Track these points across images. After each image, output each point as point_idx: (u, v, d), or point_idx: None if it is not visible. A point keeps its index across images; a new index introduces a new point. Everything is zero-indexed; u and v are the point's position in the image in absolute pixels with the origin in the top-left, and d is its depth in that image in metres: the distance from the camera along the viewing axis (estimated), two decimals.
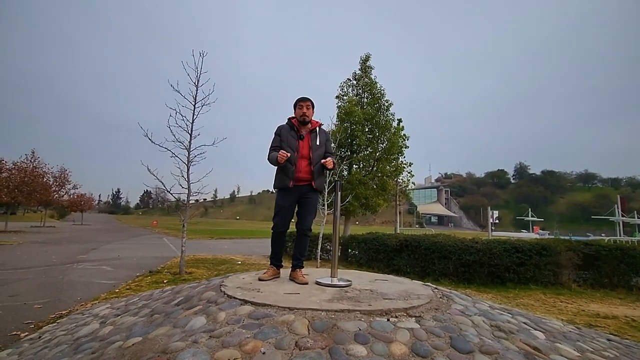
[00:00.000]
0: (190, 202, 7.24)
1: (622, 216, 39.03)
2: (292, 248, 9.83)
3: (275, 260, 3.32)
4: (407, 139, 13.47)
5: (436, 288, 3.21)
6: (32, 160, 21.71)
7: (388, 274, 4.12)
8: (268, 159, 3.21)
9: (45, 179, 23.17)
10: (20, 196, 20.16)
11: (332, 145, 9.31)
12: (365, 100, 13.67)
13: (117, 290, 5.23)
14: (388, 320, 2.09)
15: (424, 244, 7.83)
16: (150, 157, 7.26)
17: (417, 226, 65.88)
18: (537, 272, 6.92)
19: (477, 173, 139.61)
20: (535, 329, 2.49)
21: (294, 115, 3.32)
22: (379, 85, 13.68)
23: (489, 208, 18.06)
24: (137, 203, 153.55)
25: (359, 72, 14.09)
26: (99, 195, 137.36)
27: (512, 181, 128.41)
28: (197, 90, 7.01)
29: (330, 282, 2.96)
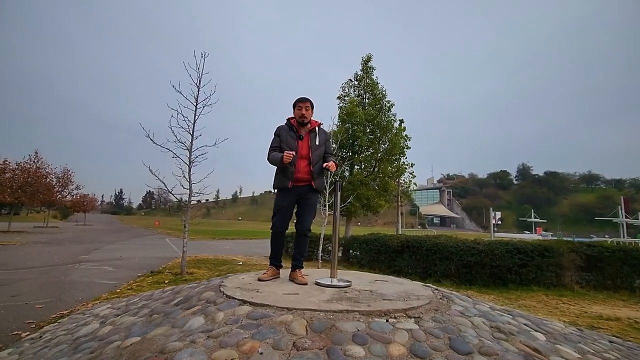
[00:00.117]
0: (192, 202, 7.26)
1: (626, 217, 38.75)
2: (292, 248, 9.87)
3: (275, 261, 3.31)
4: (409, 140, 13.45)
5: (436, 289, 3.20)
6: (36, 161, 21.84)
7: (389, 275, 4.11)
8: (268, 159, 3.19)
9: (48, 180, 23.29)
10: (24, 196, 20.27)
11: (334, 145, 9.32)
12: (367, 101, 13.66)
13: (118, 291, 5.25)
14: (387, 321, 2.08)
15: (426, 245, 7.80)
16: (152, 157, 7.28)
17: (419, 227, 65.75)
18: (540, 274, 6.88)
19: (479, 174, 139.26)
20: (536, 331, 2.47)
21: (293, 116, 3.31)
22: (380, 86, 13.68)
23: (491, 209, 17.99)
24: (140, 204, 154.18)
25: (361, 72, 14.09)
26: (102, 196, 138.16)
27: (515, 182, 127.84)
28: (198, 91, 7.03)
29: (329, 283, 2.96)
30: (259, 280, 3.10)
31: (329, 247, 10.44)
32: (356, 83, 14.15)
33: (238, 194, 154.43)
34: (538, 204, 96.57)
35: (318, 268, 6.73)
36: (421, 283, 3.46)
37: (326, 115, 37.74)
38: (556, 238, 16.09)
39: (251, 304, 2.27)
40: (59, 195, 26.95)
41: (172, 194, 7.11)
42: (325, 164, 3.15)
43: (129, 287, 5.50)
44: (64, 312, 4.03)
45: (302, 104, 3.21)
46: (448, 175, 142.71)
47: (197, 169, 6.99)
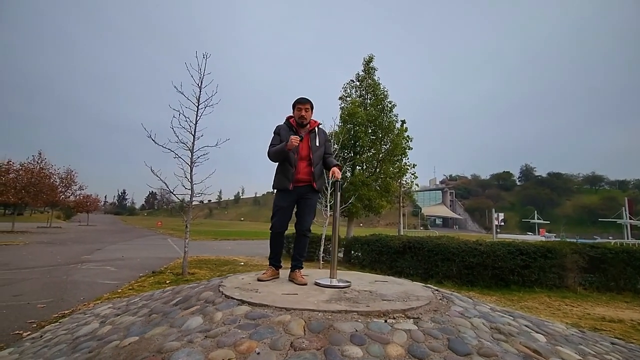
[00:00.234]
0: (195, 203, 7.27)
1: (630, 219, 38.50)
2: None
3: (274, 261, 3.30)
4: (411, 140, 13.43)
5: (437, 290, 3.18)
6: (39, 162, 21.97)
7: (393, 277, 4.09)
8: (269, 154, 3.15)
9: (51, 180, 23.42)
10: (27, 197, 20.38)
11: (335, 146, 9.32)
12: (369, 101, 13.65)
13: (119, 291, 5.26)
14: (385, 321, 2.07)
15: (427, 245, 7.78)
16: (154, 158, 7.32)
17: (421, 228, 65.61)
18: (542, 275, 6.84)
19: (482, 175, 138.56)
20: (537, 332, 2.45)
21: (292, 115, 3.29)
22: (382, 87, 13.67)
23: (494, 210, 17.92)
24: (143, 204, 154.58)
25: (362, 73, 14.08)
26: (105, 197, 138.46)
27: (518, 183, 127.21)
28: (200, 91, 7.05)
29: (329, 283, 2.95)
30: (259, 280, 3.10)
31: (330, 248, 10.43)
32: (358, 84, 14.15)
33: (240, 194, 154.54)
34: (541, 205, 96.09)
35: (319, 269, 6.72)
36: (421, 284, 3.45)
37: (327, 116, 37.80)
38: (559, 239, 15.99)
39: (249, 304, 2.26)
40: (62, 196, 27.12)
41: (174, 195, 7.13)
42: (331, 172, 3.11)
43: (130, 287, 5.51)
44: (66, 311, 4.04)
45: (302, 105, 3.19)
46: (450, 176, 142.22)
47: (198, 170, 7.01)
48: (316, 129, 3.30)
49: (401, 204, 17.45)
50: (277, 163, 3.23)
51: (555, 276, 6.89)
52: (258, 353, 1.69)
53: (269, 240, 3.34)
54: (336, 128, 12.12)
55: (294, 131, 3.21)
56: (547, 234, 51.15)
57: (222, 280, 3.09)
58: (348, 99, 13.88)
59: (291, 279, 3.15)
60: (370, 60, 14.00)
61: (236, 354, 1.69)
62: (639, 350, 2.87)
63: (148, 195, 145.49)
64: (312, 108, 3.25)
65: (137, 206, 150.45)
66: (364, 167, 13.13)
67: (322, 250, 8.39)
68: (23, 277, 6.20)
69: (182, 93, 6.86)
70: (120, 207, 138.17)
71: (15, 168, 20.65)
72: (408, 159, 13.64)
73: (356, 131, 12.46)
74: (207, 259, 9.81)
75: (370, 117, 12.82)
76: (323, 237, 8.37)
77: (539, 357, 1.94)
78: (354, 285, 2.99)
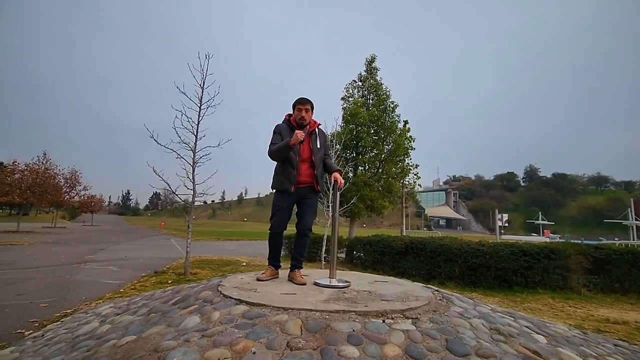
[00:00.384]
0: (198, 203, 7.29)
1: (636, 220, 38.07)
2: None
3: (274, 261, 3.30)
4: (413, 141, 13.39)
5: (437, 290, 3.16)
6: (44, 162, 22.16)
7: (393, 277, 4.07)
8: (271, 152, 3.10)
9: (56, 180, 23.60)
10: (32, 197, 20.57)
11: (337, 146, 9.29)
12: (371, 101, 13.63)
13: (121, 290, 5.29)
14: (383, 321, 2.06)
15: (430, 246, 7.74)
16: (157, 158, 7.34)
17: (424, 229, 65.28)
18: (546, 276, 6.79)
19: (486, 176, 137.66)
20: (538, 333, 2.43)
21: (291, 114, 3.26)
22: (384, 87, 13.64)
23: (497, 211, 17.82)
24: (147, 204, 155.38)
25: (365, 73, 14.06)
26: (109, 197, 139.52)
27: (522, 184, 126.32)
28: (202, 92, 7.08)
29: (328, 283, 2.94)
30: (258, 280, 3.09)
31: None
32: (360, 84, 14.12)
33: (243, 195, 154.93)
34: (546, 206, 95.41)
35: (321, 269, 6.71)
36: (421, 284, 3.43)
37: (328, 116, 37.75)
38: (564, 240, 15.86)
39: (247, 303, 2.26)
40: (67, 196, 27.30)
41: (176, 195, 7.16)
42: (333, 177, 3.10)
43: (132, 287, 5.54)
44: (68, 311, 4.07)
45: (302, 105, 3.15)
46: (454, 176, 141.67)
47: (201, 170, 7.04)
48: (316, 129, 3.29)
49: (404, 205, 17.38)
50: (276, 162, 3.22)
51: (559, 277, 6.83)
52: (254, 352, 1.68)
53: (267, 240, 3.33)
54: (338, 128, 12.10)
55: (294, 131, 3.19)
56: (551, 235, 50.79)
57: (222, 280, 3.09)
58: (350, 99, 13.85)
59: (290, 279, 3.14)
60: (372, 60, 13.98)
61: (232, 353, 1.68)
62: None
63: (152, 195, 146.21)
64: (312, 109, 3.22)
65: (141, 206, 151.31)
66: (366, 167, 13.10)
67: (323, 250, 8.38)
68: (27, 276, 6.25)
69: (184, 93, 6.89)
70: (125, 208, 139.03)
71: (20, 168, 20.87)
72: (411, 159, 13.61)
73: (358, 131, 12.43)
74: (210, 259, 9.83)
75: (372, 118, 12.79)
76: (325, 237, 8.36)
77: (539, 358, 1.91)
78: (353, 286, 2.98)
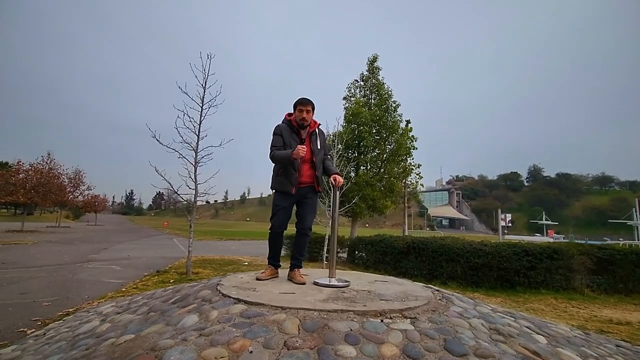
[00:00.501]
0: (201, 203, 7.31)
1: None
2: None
3: (274, 260, 3.30)
4: (415, 140, 13.34)
5: (437, 290, 3.15)
6: (48, 162, 22.32)
7: (394, 277, 4.06)
8: (274, 157, 3.09)
9: (60, 180, 23.75)
10: (36, 197, 20.70)
11: (339, 146, 9.29)
12: (373, 101, 13.59)
13: (124, 289, 5.31)
14: (382, 321, 2.05)
15: (432, 246, 7.72)
16: (160, 158, 7.37)
17: (427, 229, 65.12)
18: (548, 277, 6.74)
19: (489, 175, 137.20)
20: (538, 333, 2.41)
21: (292, 113, 3.24)
22: (386, 86, 13.59)
23: (499, 211, 17.73)
24: (150, 204, 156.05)
25: (367, 73, 14.03)
26: (113, 197, 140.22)
27: (526, 184, 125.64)
28: (204, 91, 7.09)
29: (327, 283, 2.94)
30: (257, 279, 3.10)
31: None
32: (362, 83, 14.09)
33: (246, 195, 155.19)
34: (550, 206, 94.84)
35: (322, 268, 6.71)
36: (422, 284, 3.41)
37: (329, 116, 37.73)
38: (568, 241, 15.74)
39: (246, 302, 2.26)
40: (71, 196, 27.49)
41: (178, 195, 7.18)
42: (332, 178, 3.09)
43: (134, 286, 5.56)
44: (70, 310, 4.09)
45: (303, 106, 3.13)
46: (457, 176, 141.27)
47: (203, 170, 7.05)
48: (316, 130, 3.28)
49: (406, 205, 17.33)
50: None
51: (562, 278, 6.78)
52: (251, 352, 1.68)
53: (267, 240, 3.33)
54: (340, 128, 12.09)
55: (295, 131, 3.19)
56: (555, 235, 50.46)
57: (221, 279, 3.10)
58: (352, 98, 13.82)
59: (290, 278, 3.14)
60: (374, 59, 13.93)
61: (229, 352, 1.69)
62: None
63: (155, 195, 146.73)
64: (313, 109, 3.20)
65: (145, 206, 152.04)
66: (368, 167, 13.07)
67: (325, 250, 8.38)
68: (30, 275, 6.30)
69: (186, 93, 6.90)
70: (128, 207, 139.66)
71: (24, 168, 21.01)
72: (413, 159, 13.57)
73: (360, 131, 12.41)
74: (212, 259, 9.85)
75: (374, 117, 12.75)
76: (326, 237, 8.36)
77: (538, 358, 1.90)
78: (353, 285, 2.98)
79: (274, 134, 3.19)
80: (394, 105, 13.35)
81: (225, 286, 2.74)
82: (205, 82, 7.09)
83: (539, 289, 6.62)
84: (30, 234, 17.79)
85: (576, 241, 10.65)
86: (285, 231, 3.30)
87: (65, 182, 25.23)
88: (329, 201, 7.81)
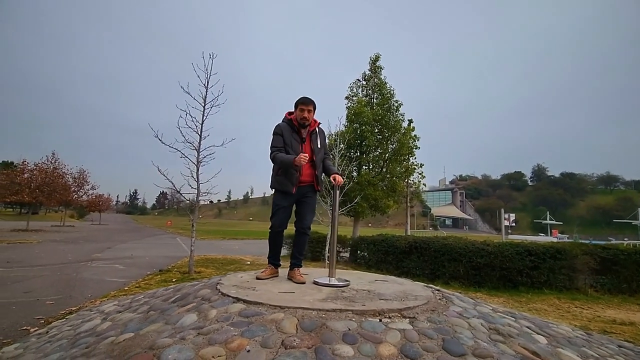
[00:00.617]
0: (204, 202, 7.34)
1: None
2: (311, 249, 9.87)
3: (274, 260, 3.31)
4: (418, 140, 13.32)
5: (437, 290, 3.14)
6: (53, 161, 22.48)
7: (397, 277, 4.05)
8: (274, 159, 3.09)
9: (64, 180, 23.91)
10: (41, 196, 20.86)
11: (341, 145, 9.29)
12: (375, 100, 13.57)
13: (126, 288, 5.34)
14: (380, 320, 2.05)
15: (434, 246, 7.70)
16: (163, 158, 7.40)
17: (430, 228, 64.92)
18: (552, 276, 6.70)
19: (492, 175, 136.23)
20: (538, 334, 2.40)
21: (292, 112, 3.24)
22: (388, 86, 13.57)
23: (502, 210, 17.65)
24: (154, 204, 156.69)
25: (369, 72, 14.01)
26: (117, 196, 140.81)
27: (530, 183, 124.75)
28: (206, 91, 7.11)
29: (327, 282, 2.94)
30: (257, 278, 3.10)
31: (337, 248, 10.41)
32: (364, 83, 14.08)
33: (249, 194, 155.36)
34: (554, 205, 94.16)
35: (324, 268, 6.71)
36: (422, 284, 3.41)
37: (332, 115, 37.71)
38: (572, 240, 15.62)
39: (245, 301, 2.27)
40: (75, 195, 27.66)
41: (181, 194, 7.21)
42: (332, 178, 3.09)
43: (137, 285, 5.59)
44: (73, 308, 4.12)
45: (305, 106, 3.13)
46: (460, 176, 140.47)
47: (205, 169, 7.07)
48: (317, 129, 3.28)
49: (408, 204, 17.29)
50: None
51: (565, 278, 6.74)
52: (248, 351, 1.69)
53: (267, 239, 3.34)
54: (342, 127, 12.08)
55: (296, 131, 3.19)
56: (559, 235, 50.13)
57: (221, 278, 3.11)
58: (354, 98, 13.81)
59: (290, 278, 3.15)
60: (376, 59, 13.91)
61: (227, 351, 1.69)
62: None
63: (159, 195, 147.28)
64: (314, 109, 3.20)
65: (149, 206, 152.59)
66: (370, 166, 13.06)
67: (327, 249, 8.39)
68: (34, 274, 6.35)
69: (188, 93, 6.93)
70: (132, 207, 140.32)
71: (29, 168, 21.18)
72: (415, 158, 13.56)
73: (362, 130, 12.40)
74: (214, 258, 9.88)
75: (376, 117, 12.74)
76: (328, 237, 8.36)
77: (537, 358, 1.89)
78: (353, 285, 2.97)
79: (274, 134, 3.19)
80: (396, 104, 13.33)
81: (225, 285, 2.74)
82: (208, 82, 7.11)
83: (542, 289, 6.59)
84: (35, 233, 17.94)
85: (580, 241, 10.58)
86: (285, 230, 3.31)
87: (69, 181, 25.40)
88: (331, 201, 7.81)
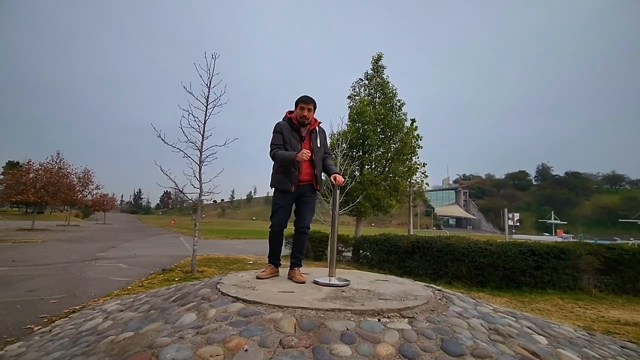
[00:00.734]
0: (207, 202, 7.37)
1: None
2: (313, 249, 9.86)
3: (274, 259, 3.32)
4: (420, 139, 13.26)
5: (438, 289, 3.13)
6: (58, 161, 22.68)
7: (400, 276, 4.04)
8: (274, 156, 3.10)
9: (69, 180, 24.11)
10: (46, 196, 21.06)
11: (344, 145, 9.29)
12: (377, 100, 13.53)
13: (129, 287, 5.37)
14: (379, 320, 2.05)
15: (436, 245, 7.67)
16: (166, 158, 7.44)
17: (434, 228, 64.69)
18: (555, 276, 6.66)
19: (496, 174, 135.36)
20: (539, 334, 2.38)
21: (293, 111, 3.23)
22: (391, 85, 13.52)
23: (506, 210, 17.50)
24: (158, 203, 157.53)
25: (371, 71, 13.96)
26: (121, 196, 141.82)
27: (534, 183, 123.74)
28: (209, 91, 7.14)
29: (327, 282, 2.94)
30: (257, 278, 3.11)
31: (339, 247, 10.41)
32: (367, 82, 14.03)
33: (252, 194, 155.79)
34: (558, 205, 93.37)
35: (326, 267, 6.71)
36: (423, 283, 3.40)
37: (334, 115, 37.66)
38: (577, 240, 15.49)
39: (244, 301, 2.28)
40: (80, 195, 27.90)
41: (183, 193, 7.24)
42: (332, 177, 3.08)
43: (140, 285, 5.62)
44: (76, 307, 4.14)
45: (305, 105, 3.13)
46: (464, 175, 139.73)
47: (208, 169, 7.10)
48: (317, 128, 3.28)
49: (411, 204, 17.24)
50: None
51: (569, 277, 6.69)
52: (246, 350, 1.69)
53: (267, 239, 3.34)
54: (344, 127, 12.06)
55: (296, 129, 3.19)
56: (564, 234, 49.71)
57: (221, 278, 3.12)
58: (357, 97, 13.78)
59: (290, 277, 3.15)
60: (379, 58, 13.85)
61: (225, 350, 1.70)
62: None
63: (163, 194, 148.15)
64: (315, 108, 3.20)
65: (153, 205, 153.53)
66: (373, 166, 13.03)
67: (329, 249, 8.38)
68: (39, 273, 6.41)
69: (191, 93, 6.95)
70: (136, 206, 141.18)
71: (35, 168, 21.38)
72: (418, 157, 13.50)
73: (365, 130, 12.37)
74: (217, 258, 9.92)
75: (379, 116, 12.70)
76: (330, 236, 8.36)
77: (536, 359, 1.88)
78: (353, 284, 2.97)
79: (274, 132, 3.19)
80: (398, 104, 13.27)
81: (225, 285, 2.75)
82: (210, 82, 7.13)
83: (546, 289, 6.54)
84: (40, 232, 18.10)
85: (585, 241, 10.49)
86: (285, 230, 3.31)
87: (74, 181, 25.62)
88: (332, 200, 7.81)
